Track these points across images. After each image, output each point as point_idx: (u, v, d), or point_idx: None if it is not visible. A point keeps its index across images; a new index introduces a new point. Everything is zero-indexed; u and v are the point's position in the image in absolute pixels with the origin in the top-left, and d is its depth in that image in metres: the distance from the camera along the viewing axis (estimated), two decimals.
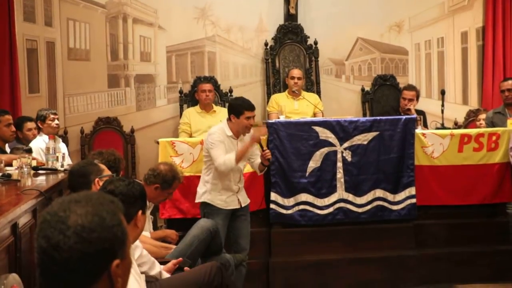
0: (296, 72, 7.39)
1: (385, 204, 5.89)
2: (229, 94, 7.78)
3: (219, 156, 5.00)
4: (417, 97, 7.19)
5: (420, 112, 7.08)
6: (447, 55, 8.29)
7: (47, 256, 1.40)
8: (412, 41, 8.26)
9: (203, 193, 5.24)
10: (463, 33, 8.29)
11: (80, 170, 3.78)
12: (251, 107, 5.11)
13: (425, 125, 6.90)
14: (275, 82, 7.89)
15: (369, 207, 5.87)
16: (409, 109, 6.96)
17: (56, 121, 6.34)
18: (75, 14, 7.68)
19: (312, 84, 7.90)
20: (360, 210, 5.86)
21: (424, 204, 5.97)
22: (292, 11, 7.87)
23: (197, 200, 5.29)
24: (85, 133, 7.60)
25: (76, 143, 7.60)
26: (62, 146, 6.21)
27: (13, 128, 5.98)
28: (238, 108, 5.12)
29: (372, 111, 7.99)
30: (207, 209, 5.23)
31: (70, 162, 5.75)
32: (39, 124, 6.26)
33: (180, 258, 4.19)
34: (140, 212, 2.81)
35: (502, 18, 8.09)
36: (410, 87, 7.33)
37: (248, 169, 5.69)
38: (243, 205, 5.29)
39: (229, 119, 5.16)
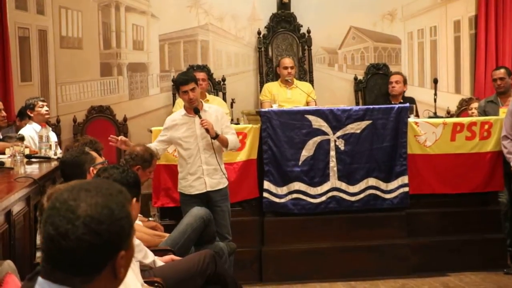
0: (288, 62, 7.32)
1: (378, 192, 5.91)
2: (222, 83, 7.77)
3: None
4: (404, 81, 7.26)
5: (409, 99, 7.11)
6: (440, 44, 8.29)
7: (54, 244, 1.41)
8: (405, 30, 8.26)
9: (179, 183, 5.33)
10: (455, 22, 8.30)
11: (73, 160, 3.78)
12: (185, 81, 5.05)
13: (415, 112, 6.90)
14: (268, 71, 7.87)
15: (361, 195, 5.89)
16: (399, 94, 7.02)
17: (46, 108, 6.31)
18: (67, 2, 7.64)
19: (305, 73, 7.89)
20: (352, 198, 5.88)
21: (416, 192, 5.99)
22: None
23: None
24: (78, 121, 7.58)
25: (69, 132, 7.57)
26: (52, 135, 6.20)
27: (4, 113, 5.96)
28: (176, 85, 5.35)
29: (365, 100, 8.00)
30: (180, 199, 5.30)
31: (61, 151, 5.74)
32: (28, 113, 6.23)
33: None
34: (134, 199, 2.82)
35: (495, 7, 8.09)
36: (394, 72, 7.56)
37: (241, 157, 5.71)
38: (209, 189, 5.16)
39: None
